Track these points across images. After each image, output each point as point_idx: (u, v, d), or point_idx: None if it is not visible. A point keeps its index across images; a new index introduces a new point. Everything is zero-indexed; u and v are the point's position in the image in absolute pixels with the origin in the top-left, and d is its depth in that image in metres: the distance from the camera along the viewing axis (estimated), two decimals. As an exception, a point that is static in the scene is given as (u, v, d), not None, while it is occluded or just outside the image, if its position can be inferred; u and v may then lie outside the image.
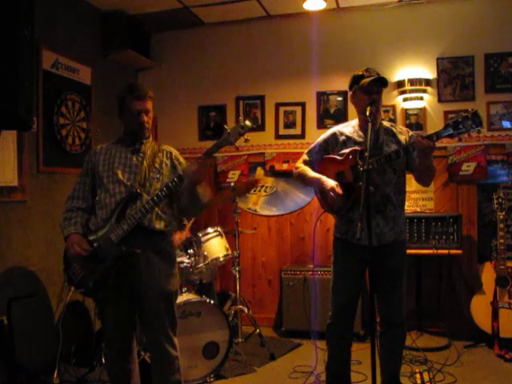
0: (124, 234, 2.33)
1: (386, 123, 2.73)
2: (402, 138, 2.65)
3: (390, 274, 2.60)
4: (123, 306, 2.44)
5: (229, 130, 2.28)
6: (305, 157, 2.83)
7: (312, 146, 2.84)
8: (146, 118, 2.48)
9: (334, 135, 2.73)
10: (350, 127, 2.72)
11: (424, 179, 2.64)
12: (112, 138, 2.64)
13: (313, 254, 3.93)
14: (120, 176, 2.42)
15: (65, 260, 2.47)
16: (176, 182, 2.33)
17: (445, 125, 2.32)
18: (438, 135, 2.32)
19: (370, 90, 2.55)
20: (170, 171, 2.52)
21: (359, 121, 2.70)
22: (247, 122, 2.27)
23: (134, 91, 2.47)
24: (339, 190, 2.55)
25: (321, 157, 2.74)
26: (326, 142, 2.75)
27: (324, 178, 2.62)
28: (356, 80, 2.62)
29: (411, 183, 2.79)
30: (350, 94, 2.71)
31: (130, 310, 2.46)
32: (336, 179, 2.61)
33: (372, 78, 2.55)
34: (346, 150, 2.62)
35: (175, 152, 2.61)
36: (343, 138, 2.68)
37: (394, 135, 2.65)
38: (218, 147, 2.32)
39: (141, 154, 2.49)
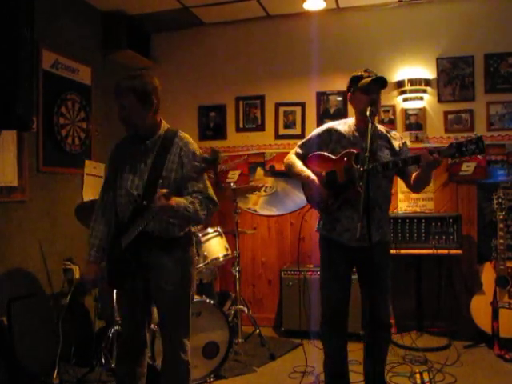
0: (129, 239, 2.31)
1: (380, 127, 2.75)
2: (396, 144, 2.68)
3: (374, 274, 2.59)
4: (136, 306, 2.44)
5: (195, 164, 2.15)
6: (297, 149, 2.83)
7: (305, 139, 2.84)
8: (122, 114, 2.35)
9: (328, 131, 2.73)
10: (345, 126, 2.72)
11: (417, 188, 2.65)
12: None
13: (297, 250, 3.91)
14: (129, 183, 2.36)
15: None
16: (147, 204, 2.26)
17: (449, 144, 2.33)
18: (440, 153, 2.34)
19: (369, 90, 2.56)
20: (178, 171, 2.34)
21: (356, 121, 2.71)
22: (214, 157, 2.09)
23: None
24: (317, 184, 2.60)
25: (313, 151, 2.75)
26: (319, 137, 2.75)
27: (305, 173, 2.67)
28: (355, 80, 2.63)
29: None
30: (348, 94, 2.72)
31: (143, 309, 2.46)
32: (327, 177, 2.64)
33: (372, 77, 2.56)
34: (342, 151, 2.62)
35: (186, 147, 2.37)
36: (337, 135, 2.69)
37: (388, 141, 2.68)
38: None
39: (149, 158, 2.37)
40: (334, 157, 2.64)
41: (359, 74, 2.63)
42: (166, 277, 2.37)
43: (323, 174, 2.66)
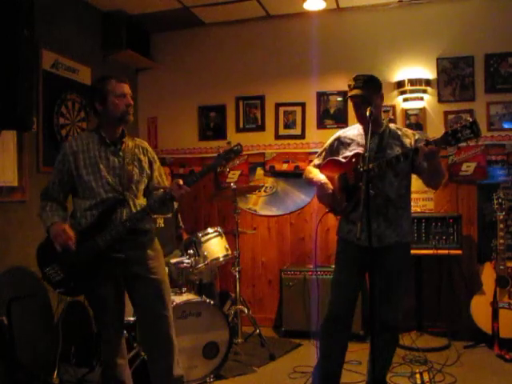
0: (112, 241, 2.35)
1: (392, 126, 2.76)
2: (407, 141, 2.66)
3: (387, 276, 2.60)
4: (119, 295, 2.50)
5: (222, 154, 2.45)
6: (315, 161, 2.92)
7: (321, 149, 2.92)
8: (132, 101, 2.46)
9: (338, 139, 2.79)
10: (354, 130, 2.76)
11: (432, 183, 2.66)
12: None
13: (315, 253, 3.92)
14: (110, 180, 2.41)
15: (42, 256, 2.44)
16: (168, 198, 2.41)
17: (443, 133, 2.33)
18: (436, 143, 2.34)
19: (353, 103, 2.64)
20: (148, 168, 2.56)
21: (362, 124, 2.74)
22: (237, 148, 2.46)
23: (115, 76, 2.48)
24: (328, 186, 2.64)
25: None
26: (331, 145, 2.83)
27: (315, 178, 2.73)
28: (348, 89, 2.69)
29: (411, 183, 2.79)
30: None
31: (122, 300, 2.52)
32: (339, 181, 2.68)
33: (349, 95, 2.63)
34: (350, 153, 2.66)
35: (150, 148, 2.63)
36: (347, 140, 2.74)
37: (398, 138, 2.67)
38: (208, 172, 2.48)
39: (120, 154, 2.46)
40: (343, 160, 2.69)
41: (349, 83, 2.66)
42: (153, 267, 2.48)
43: (335, 177, 2.70)
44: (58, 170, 2.45)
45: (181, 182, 2.38)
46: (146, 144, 2.62)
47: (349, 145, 2.71)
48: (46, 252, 2.42)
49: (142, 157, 2.53)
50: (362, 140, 2.66)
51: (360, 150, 2.62)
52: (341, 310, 2.68)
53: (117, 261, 2.38)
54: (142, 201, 2.51)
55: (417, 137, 2.70)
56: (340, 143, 2.76)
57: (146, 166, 2.53)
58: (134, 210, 2.43)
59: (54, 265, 2.39)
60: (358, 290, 2.74)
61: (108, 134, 2.45)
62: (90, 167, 2.40)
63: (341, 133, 2.81)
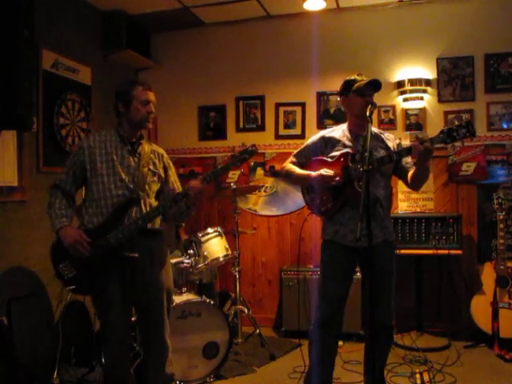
0: (124, 239, 2.36)
1: (374, 129, 2.74)
2: (390, 144, 2.68)
3: (379, 275, 2.57)
4: (127, 301, 2.49)
5: (237, 154, 2.49)
6: (292, 159, 2.83)
7: (300, 148, 2.84)
8: (153, 109, 2.51)
9: (322, 139, 2.74)
10: (339, 131, 2.72)
11: (416, 184, 2.63)
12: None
13: (298, 255, 3.92)
14: (123, 177, 2.43)
15: (56, 253, 2.46)
16: (182, 196, 2.43)
17: (439, 131, 2.35)
18: (431, 141, 2.35)
19: (364, 92, 2.56)
20: (162, 173, 2.60)
21: (350, 125, 2.71)
22: (252, 149, 2.49)
23: (141, 82, 2.52)
24: (328, 172, 2.56)
25: (309, 160, 2.75)
26: (315, 144, 2.76)
27: (312, 172, 2.64)
28: (349, 84, 2.63)
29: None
30: (341, 99, 2.71)
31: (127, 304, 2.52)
32: None
33: (367, 80, 2.57)
34: (337, 153, 2.63)
35: (165, 154, 2.68)
36: (332, 141, 2.69)
37: (382, 141, 2.69)
38: (223, 171, 2.57)
39: (137, 155, 2.50)
40: (330, 160, 2.65)
41: (352, 77, 2.63)
42: (160, 269, 2.52)
43: None
44: (73, 162, 2.49)
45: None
46: (161, 150, 2.67)
47: (334, 145, 2.67)
48: (58, 249, 2.44)
49: (156, 161, 2.57)
50: (348, 141, 2.65)
51: (349, 150, 2.60)
52: (333, 316, 2.65)
53: (129, 260, 2.38)
54: (154, 202, 2.53)
55: (398, 141, 2.74)
56: (325, 143, 2.71)
57: (160, 170, 2.57)
58: (144, 210, 2.44)
59: (67, 262, 2.41)
60: (347, 291, 2.68)
61: (127, 134, 2.50)
62: (105, 163, 2.44)
63: (324, 133, 2.76)
